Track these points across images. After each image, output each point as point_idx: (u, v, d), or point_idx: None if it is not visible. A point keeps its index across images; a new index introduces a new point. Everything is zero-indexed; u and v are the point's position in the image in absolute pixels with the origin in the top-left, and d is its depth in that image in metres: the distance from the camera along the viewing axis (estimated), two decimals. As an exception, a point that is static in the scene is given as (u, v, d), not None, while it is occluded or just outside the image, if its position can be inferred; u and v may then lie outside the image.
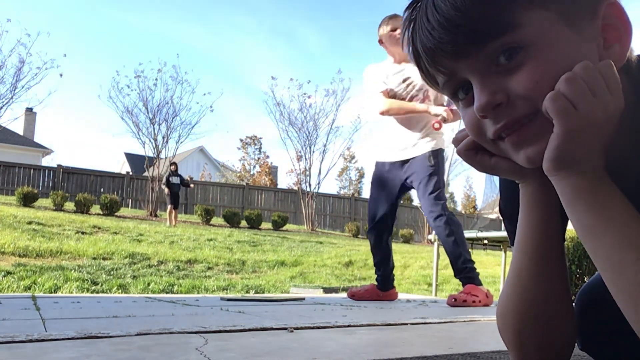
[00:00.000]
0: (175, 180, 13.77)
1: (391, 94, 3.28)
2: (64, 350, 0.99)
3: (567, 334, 0.68)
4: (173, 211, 13.23)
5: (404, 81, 3.27)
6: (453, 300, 2.89)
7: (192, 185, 15.56)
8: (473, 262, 3.08)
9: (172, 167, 13.87)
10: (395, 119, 3.29)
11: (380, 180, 3.38)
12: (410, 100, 3.25)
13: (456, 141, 0.70)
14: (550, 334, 0.67)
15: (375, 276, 3.44)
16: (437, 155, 3.22)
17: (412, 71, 3.22)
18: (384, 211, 3.31)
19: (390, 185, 3.33)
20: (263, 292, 6.35)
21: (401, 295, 3.77)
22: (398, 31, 3.13)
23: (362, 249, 10.89)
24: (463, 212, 29.54)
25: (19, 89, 14.49)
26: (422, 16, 0.60)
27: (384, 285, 3.40)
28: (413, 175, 3.21)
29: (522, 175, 0.66)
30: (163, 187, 13.76)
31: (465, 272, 3.04)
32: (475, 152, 0.67)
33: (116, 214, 13.89)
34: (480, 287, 2.97)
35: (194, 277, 7.02)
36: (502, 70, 0.58)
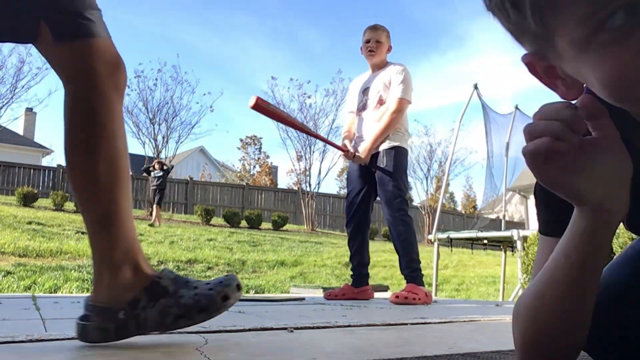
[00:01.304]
0: (158, 174, 12.99)
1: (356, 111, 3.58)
2: (64, 350, 0.99)
3: (581, 343, 0.66)
4: (157, 209, 12.61)
5: (363, 92, 3.50)
6: (395, 297, 3.00)
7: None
8: (419, 263, 3.22)
9: (157, 166, 13.23)
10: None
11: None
12: (363, 108, 3.48)
13: (536, 133, 0.52)
14: (567, 344, 0.65)
15: (351, 273, 3.52)
16: (391, 154, 3.32)
17: (369, 80, 3.50)
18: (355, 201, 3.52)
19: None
20: (263, 292, 6.36)
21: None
22: (369, 43, 3.44)
23: (362, 249, 10.87)
24: (463, 212, 29.51)
25: (19, 89, 14.52)
26: None
27: (358, 282, 3.46)
28: (376, 174, 3.36)
29: (582, 202, 0.55)
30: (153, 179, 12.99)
31: (410, 270, 3.17)
32: (546, 158, 0.52)
33: (116, 214, 13.85)
34: (421, 287, 3.12)
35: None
36: None
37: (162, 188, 12.92)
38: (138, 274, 1.10)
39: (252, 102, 2.88)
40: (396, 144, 3.34)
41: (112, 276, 1.09)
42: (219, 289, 1.09)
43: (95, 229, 1.11)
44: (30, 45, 1.11)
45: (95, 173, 1.09)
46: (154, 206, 12.63)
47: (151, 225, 11.96)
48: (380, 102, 3.38)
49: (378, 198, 3.43)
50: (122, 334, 1.08)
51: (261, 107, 2.92)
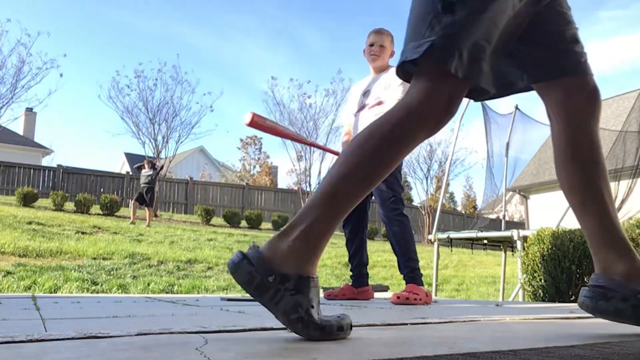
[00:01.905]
0: (147, 172, 12.75)
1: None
2: (64, 351, 0.99)
3: None
4: (150, 210, 12.47)
5: (363, 95, 3.50)
6: (397, 298, 2.99)
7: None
8: (417, 262, 3.20)
9: (147, 165, 12.96)
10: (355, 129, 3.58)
11: None
12: (362, 108, 3.48)
13: None
14: None
15: (351, 274, 3.52)
16: None
17: (371, 83, 3.50)
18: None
19: None
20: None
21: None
22: (373, 47, 3.44)
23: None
24: (463, 212, 29.51)
25: (19, 89, 14.52)
26: None
27: (358, 282, 3.47)
28: None
29: None
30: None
31: (409, 270, 3.16)
32: None
33: (116, 214, 13.90)
34: (421, 287, 3.10)
35: (194, 277, 7.02)
36: None
37: (151, 187, 12.71)
38: (306, 269, 1.14)
39: (247, 119, 2.84)
40: None
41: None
42: (337, 320, 1.17)
43: (315, 200, 1.16)
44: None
45: (363, 162, 1.16)
46: (147, 208, 12.50)
47: (147, 226, 11.94)
48: (379, 103, 3.38)
49: (373, 198, 3.44)
50: (259, 293, 1.11)
51: (257, 123, 2.90)
